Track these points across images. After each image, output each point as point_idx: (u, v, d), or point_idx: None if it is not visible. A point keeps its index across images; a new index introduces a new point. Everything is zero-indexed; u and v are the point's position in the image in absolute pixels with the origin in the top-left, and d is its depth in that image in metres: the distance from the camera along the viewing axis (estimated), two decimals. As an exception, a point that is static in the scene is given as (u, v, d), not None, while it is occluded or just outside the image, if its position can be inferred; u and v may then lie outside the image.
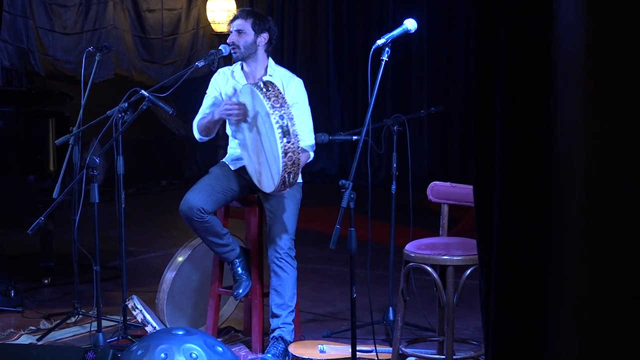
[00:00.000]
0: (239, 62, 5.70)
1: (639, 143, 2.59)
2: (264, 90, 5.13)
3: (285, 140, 5.02)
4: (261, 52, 5.64)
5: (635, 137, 2.60)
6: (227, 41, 5.61)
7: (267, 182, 5.28)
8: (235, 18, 5.65)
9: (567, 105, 2.91)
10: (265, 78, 5.51)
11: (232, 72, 5.71)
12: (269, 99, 5.09)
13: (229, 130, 5.71)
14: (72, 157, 6.06)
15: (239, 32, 5.59)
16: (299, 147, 5.11)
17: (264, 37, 5.62)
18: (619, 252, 2.66)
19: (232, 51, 5.59)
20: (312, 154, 5.58)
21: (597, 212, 2.69)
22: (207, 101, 5.72)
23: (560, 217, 2.99)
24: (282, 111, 5.06)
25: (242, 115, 5.39)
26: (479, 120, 3.34)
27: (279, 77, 5.59)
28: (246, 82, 5.59)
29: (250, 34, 5.58)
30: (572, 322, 2.88)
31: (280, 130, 5.02)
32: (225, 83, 5.70)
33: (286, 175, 5.10)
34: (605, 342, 2.71)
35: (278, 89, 5.17)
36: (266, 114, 5.07)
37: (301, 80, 5.66)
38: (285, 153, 5.03)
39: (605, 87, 2.63)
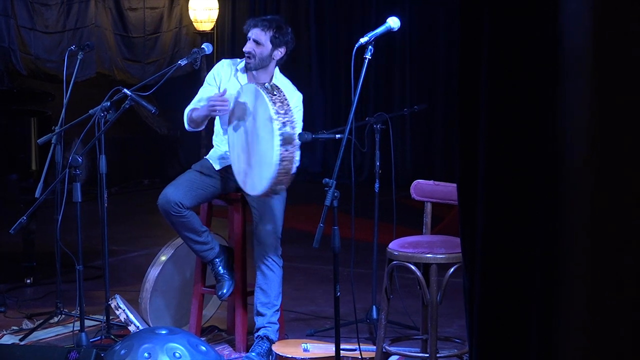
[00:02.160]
0: (245, 60, 5.60)
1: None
2: (270, 94, 5.04)
3: (284, 149, 4.98)
4: (273, 64, 5.57)
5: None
6: (243, 49, 5.49)
7: (253, 186, 5.24)
8: (254, 25, 5.51)
9: (572, 102, 2.90)
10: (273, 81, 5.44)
11: (237, 70, 5.62)
12: (274, 103, 5.00)
13: (217, 127, 5.68)
14: (55, 156, 6.04)
15: (257, 42, 5.48)
16: (295, 156, 5.08)
17: (280, 52, 5.53)
18: (619, 247, 2.67)
19: (246, 60, 5.50)
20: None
21: (595, 210, 2.70)
22: (203, 91, 5.63)
23: (562, 218, 2.99)
24: (286, 118, 4.99)
25: (226, 112, 5.36)
26: (462, 117, 3.34)
27: (281, 87, 5.47)
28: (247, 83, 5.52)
29: (267, 47, 5.48)
30: (577, 317, 2.89)
31: (281, 138, 4.97)
32: (227, 78, 5.62)
33: (276, 183, 5.08)
34: (599, 337, 2.72)
35: (284, 95, 5.08)
36: (269, 118, 5.00)
37: (301, 95, 5.60)
38: (282, 161, 4.99)
39: (612, 84, 2.64)
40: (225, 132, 5.60)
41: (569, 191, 2.90)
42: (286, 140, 4.97)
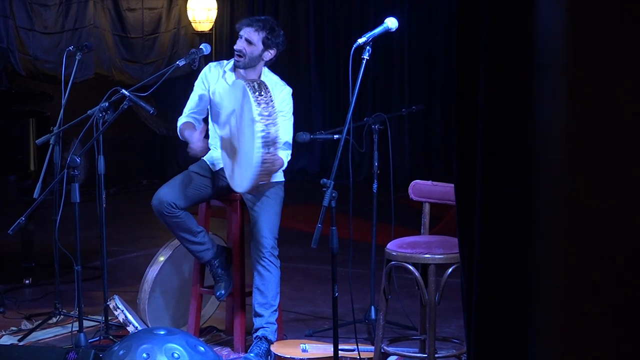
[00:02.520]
0: (232, 61, 5.63)
1: (620, 142, 2.61)
2: (256, 93, 5.01)
3: (265, 150, 4.98)
4: (261, 64, 5.58)
5: (617, 136, 2.61)
6: (234, 47, 5.51)
7: (237, 182, 5.28)
8: (247, 25, 5.52)
9: (547, 104, 2.91)
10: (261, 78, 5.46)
11: (224, 72, 5.64)
12: (259, 104, 4.98)
13: (212, 131, 5.69)
14: (53, 156, 6.05)
15: (249, 42, 5.49)
16: (277, 157, 5.10)
17: (270, 53, 5.54)
18: (597, 249, 2.67)
19: (236, 58, 5.52)
20: (286, 162, 5.52)
21: (575, 211, 2.70)
22: (193, 97, 5.67)
23: (540, 216, 3.00)
24: (269, 120, 4.97)
25: (202, 154, 5.47)
26: (460, 118, 3.35)
27: (270, 84, 5.48)
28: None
29: (258, 48, 5.49)
30: (553, 321, 2.89)
31: (261, 141, 4.96)
32: (215, 81, 5.63)
33: (258, 182, 5.10)
34: (584, 343, 2.72)
35: (270, 95, 5.05)
36: (251, 119, 4.99)
37: (290, 90, 5.60)
38: (263, 163, 4.99)
39: (588, 85, 2.64)
40: (214, 120, 5.62)
41: (544, 193, 2.92)
42: (268, 143, 4.97)
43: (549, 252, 2.87)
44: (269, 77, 5.56)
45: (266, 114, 4.97)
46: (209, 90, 5.61)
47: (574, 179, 2.69)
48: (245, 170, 5.11)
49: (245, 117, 5.12)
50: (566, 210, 2.72)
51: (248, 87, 5.07)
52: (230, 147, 5.33)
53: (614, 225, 2.64)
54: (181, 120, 5.68)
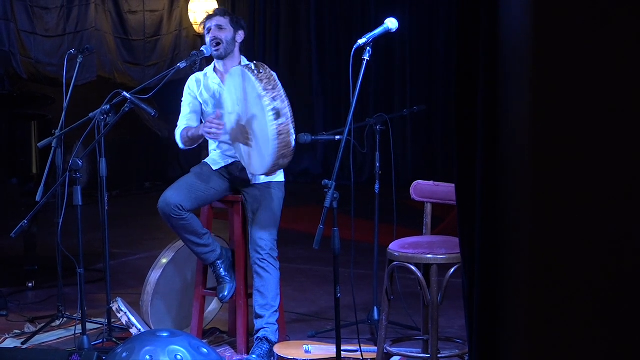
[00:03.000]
0: (212, 64, 5.72)
1: (585, 143, 2.63)
2: (256, 72, 5.11)
3: (278, 122, 5.02)
4: (237, 50, 5.69)
5: (580, 137, 2.63)
6: (209, 37, 5.61)
7: (257, 165, 5.27)
8: (212, 16, 5.68)
9: (513, 106, 2.94)
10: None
11: (205, 74, 5.72)
12: (261, 81, 5.07)
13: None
14: (55, 159, 6.05)
15: (220, 27, 5.62)
16: (291, 129, 5.10)
17: (240, 35, 5.69)
18: (562, 252, 2.69)
19: (214, 48, 5.59)
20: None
21: (541, 214, 2.72)
22: (185, 109, 5.74)
23: (509, 218, 3.02)
24: (275, 93, 5.05)
25: (220, 134, 5.40)
26: (460, 118, 3.35)
27: None
28: (219, 82, 5.60)
29: (230, 30, 5.64)
30: (520, 324, 2.91)
31: (272, 112, 5.01)
32: (198, 87, 5.71)
33: (279, 156, 5.10)
34: (549, 343, 2.74)
35: (270, 72, 5.15)
36: (258, 96, 5.06)
37: (274, 73, 5.67)
38: (279, 134, 5.03)
39: (551, 88, 2.66)
40: (216, 141, 5.64)
41: (511, 193, 2.94)
42: (279, 113, 5.02)
43: (516, 253, 2.89)
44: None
45: (270, 87, 5.06)
46: (196, 98, 5.68)
47: (537, 179, 2.71)
48: (264, 148, 5.14)
49: (250, 97, 5.17)
50: (530, 211, 2.73)
51: (246, 69, 5.18)
52: (241, 135, 5.35)
53: (578, 225, 2.65)
54: (180, 129, 5.70)
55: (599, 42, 2.59)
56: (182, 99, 5.76)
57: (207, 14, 5.92)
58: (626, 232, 2.61)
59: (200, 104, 5.69)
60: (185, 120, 5.71)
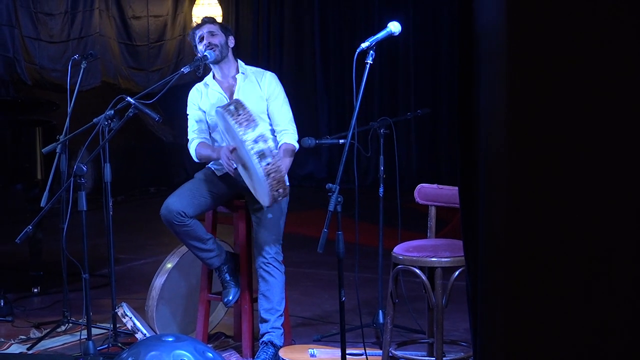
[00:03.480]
0: (210, 73, 5.75)
1: (561, 143, 2.64)
2: (235, 115, 5.12)
3: (264, 163, 5.03)
4: (231, 54, 5.71)
5: (557, 138, 2.64)
6: (204, 44, 5.63)
7: (262, 199, 5.31)
8: (201, 25, 5.73)
9: (489, 107, 2.95)
10: (235, 94, 5.55)
11: (205, 83, 5.74)
12: (240, 124, 5.08)
13: (212, 140, 5.71)
14: (60, 165, 6.07)
15: (212, 33, 5.66)
16: (279, 165, 5.10)
17: (231, 40, 5.72)
18: (538, 253, 2.70)
19: (208, 53, 5.60)
20: (296, 144, 5.60)
21: (517, 216, 2.74)
22: (191, 121, 5.74)
23: (486, 221, 3.03)
24: (256, 133, 5.06)
25: (230, 170, 5.42)
26: (462, 121, 3.35)
27: (252, 74, 5.67)
28: (220, 90, 5.63)
29: (222, 35, 5.67)
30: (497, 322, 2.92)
31: (256, 156, 5.03)
32: (200, 97, 5.73)
33: (275, 193, 5.13)
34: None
35: (248, 111, 5.14)
36: (241, 141, 5.09)
37: (274, 74, 5.73)
38: (268, 174, 5.04)
39: (527, 87, 2.67)
40: (219, 144, 5.66)
41: (490, 191, 2.95)
42: (262, 156, 5.02)
43: (491, 249, 2.90)
44: (248, 69, 5.73)
45: (250, 130, 5.07)
46: (199, 108, 5.69)
47: (513, 170, 2.72)
48: (260, 187, 5.19)
49: (237, 141, 5.22)
50: (505, 204, 2.75)
51: (225, 112, 5.18)
52: (244, 172, 5.39)
53: (554, 220, 2.67)
54: (195, 143, 5.69)
55: (575, 41, 2.60)
56: (187, 111, 5.76)
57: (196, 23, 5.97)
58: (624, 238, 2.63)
59: (204, 113, 5.69)
60: (196, 134, 5.70)
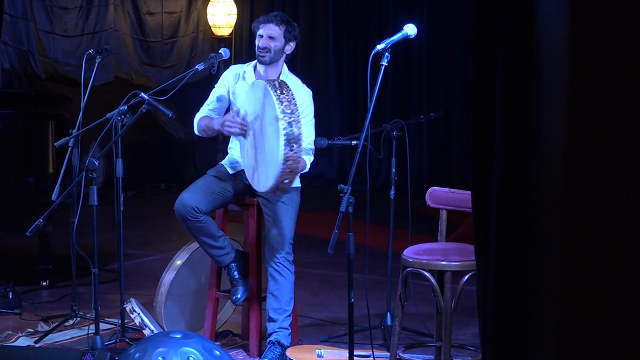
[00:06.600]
0: (253, 63, 5.68)
1: (618, 145, 2.62)
2: (278, 92, 5.06)
3: (288, 148, 4.99)
4: (282, 59, 5.63)
5: (615, 140, 2.62)
6: (259, 45, 5.54)
7: (259, 182, 5.27)
8: (268, 22, 5.59)
9: (548, 108, 2.92)
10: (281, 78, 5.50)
11: (244, 72, 5.67)
12: (281, 102, 5.02)
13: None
14: (72, 159, 6.06)
15: (271, 38, 5.55)
16: (300, 156, 5.10)
17: (291, 46, 5.63)
18: (594, 253, 2.67)
19: (259, 54, 5.54)
20: (308, 166, 5.54)
21: (573, 223, 2.71)
22: (213, 95, 5.71)
23: (541, 219, 3.01)
24: (292, 118, 5.00)
25: (242, 133, 5.39)
26: (477, 125, 3.34)
27: (290, 84, 5.53)
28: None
29: (281, 41, 5.56)
30: (552, 324, 2.90)
31: (285, 138, 4.98)
32: (234, 81, 5.68)
33: (282, 181, 5.10)
34: (582, 342, 2.73)
35: (292, 93, 5.10)
36: (275, 117, 5.03)
37: (310, 92, 5.63)
38: (286, 160, 5.01)
39: (588, 89, 2.65)
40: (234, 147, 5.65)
41: (543, 198, 2.93)
42: (291, 140, 4.99)
43: (547, 255, 2.88)
44: (289, 78, 5.60)
45: (288, 111, 5.01)
46: (229, 92, 5.65)
47: (571, 181, 2.69)
48: (269, 169, 5.13)
49: (267, 115, 5.14)
50: (563, 213, 2.72)
51: (269, 85, 5.11)
52: (252, 148, 5.35)
53: (610, 228, 2.64)
54: (200, 115, 5.68)
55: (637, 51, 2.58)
56: (215, 85, 5.73)
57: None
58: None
59: (230, 99, 5.66)
60: (208, 109, 5.69)
